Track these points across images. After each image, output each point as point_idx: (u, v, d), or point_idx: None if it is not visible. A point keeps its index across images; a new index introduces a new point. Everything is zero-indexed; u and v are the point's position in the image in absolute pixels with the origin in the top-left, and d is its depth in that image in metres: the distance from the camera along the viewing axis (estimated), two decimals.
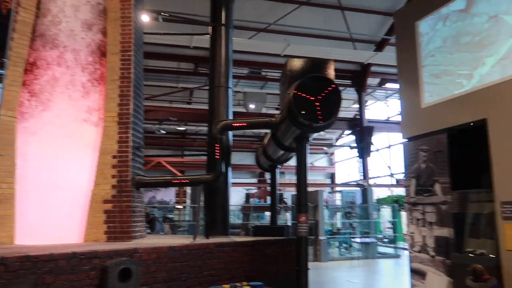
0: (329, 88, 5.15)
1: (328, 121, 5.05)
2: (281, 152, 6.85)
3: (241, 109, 18.29)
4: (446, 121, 8.14)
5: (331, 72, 5.45)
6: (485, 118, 7.29)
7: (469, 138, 8.15)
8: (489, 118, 7.23)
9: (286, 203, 17.22)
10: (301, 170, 5.47)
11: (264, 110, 18.83)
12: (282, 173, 25.96)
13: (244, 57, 15.38)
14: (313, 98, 5.00)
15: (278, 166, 8.30)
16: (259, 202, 20.04)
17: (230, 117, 7.83)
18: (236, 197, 23.00)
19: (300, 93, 5.01)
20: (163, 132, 20.45)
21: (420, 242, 8.52)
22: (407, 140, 9.35)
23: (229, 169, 7.56)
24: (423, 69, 8.90)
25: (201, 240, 6.34)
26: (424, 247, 8.42)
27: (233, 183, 21.06)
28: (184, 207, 21.24)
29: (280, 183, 22.13)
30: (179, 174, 19.97)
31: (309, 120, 4.98)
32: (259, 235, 7.32)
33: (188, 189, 21.90)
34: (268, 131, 7.23)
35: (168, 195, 24.43)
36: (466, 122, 7.80)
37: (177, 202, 23.82)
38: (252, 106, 17.47)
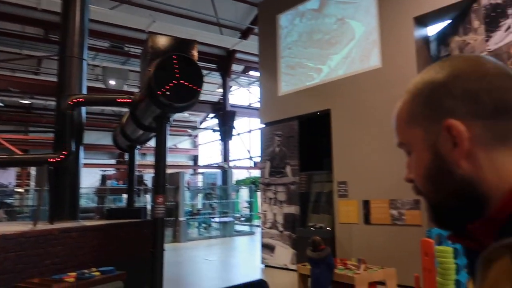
0: (191, 69, 5.11)
1: (189, 102, 5.03)
2: (141, 132, 6.59)
3: (100, 85, 16.88)
4: (298, 110, 8.97)
5: (194, 53, 5.42)
6: (329, 108, 8.29)
7: (317, 125, 9.17)
8: (332, 108, 8.24)
9: (146, 185, 16.73)
10: (160, 151, 5.35)
11: (125, 88, 17.78)
12: (143, 154, 25.04)
13: (104, 28, 14.14)
14: (175, 78, 4.91)
15: (138, 146, 7.99)
16: (118, 184, 19.03)
17: (84, 91, 7.15)
18: (91, 179, 21.31)
19: (161, 72, 4.86)
20: (1, 104, 17.61)
21: (271, 219, 9.31)
22: (264, 125, 10.03)
23: (81, 148, 6.93)
24: (282, 60, 9.59)
25: (43, 226, 5.71)
26: (275, 223, 9.23)
27: (87, 164, 19.35)
28: (27, 190, 18.79)
29: (140, 165, 21.37)
30: (20, 153, 17.52)
31: (170, 100, 4.88)
32: (114, 218, 6.96)
33: (33, 170, 19.44)
34: (127, 109, 6.86)
35: (7, 177, 21.25)
36: (314, 111, 8.76)
37: (18, 185, 20.92)
38: (112, 82, 16.31)
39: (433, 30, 7.44)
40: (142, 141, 7.45)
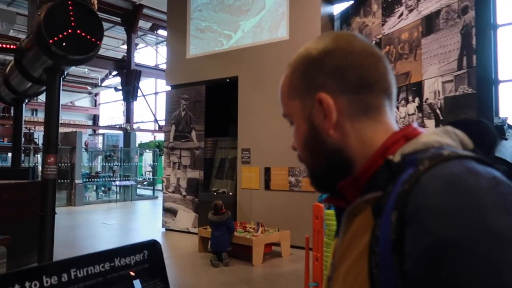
0: (90, 19, 4.63)
1: (86, 55, 4.57)
2: (29, 84, 5.87)
3: None
4: (206, 74, 8.83)
5: (94, 1, 4.92)
6: (237, 75, 8.31)
7: (224, 92, 9.15)
8: (240, 76, 8.28)
9: (37, 144, 15.21)
10: (52, 107, 4.84)
11: (13, 34, 15.63)
12: (34, 110, 22.62)
13: None
14: (70, 26, 4.40)
15: (26, 100, 7.14)
16: (2, 141, 17.02)
17: None
18: None
19: (53, 17, 4.31)
20: None
21: (175, 184, 9.22)
22: (170, 87, 9.70)
23: None
24: (191, 21, 9.24)
25: None
26: (178, 188, 9.17)
27: None
28: None
29: (30, 121, 19.31)
30: None
31: (64, 51, 4.38)
32: None
33: None
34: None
35: None
36: (223, 77, 8.70)
37: None
38: None
39: (338, 8, 7.81)
40: (30, 95, 6.68)
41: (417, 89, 4.96)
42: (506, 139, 4.83)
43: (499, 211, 0.42)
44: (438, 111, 4.64)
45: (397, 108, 5.23)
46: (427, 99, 4.79)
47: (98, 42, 4.55)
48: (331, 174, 0.65)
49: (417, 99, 4.95)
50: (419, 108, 4.85)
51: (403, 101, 5.19)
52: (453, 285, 0.40)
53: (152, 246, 1.33)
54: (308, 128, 0.67)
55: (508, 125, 4.81)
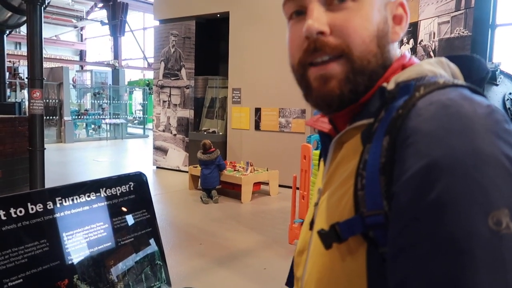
0: None
1: None
2: (8, 13, 5.58)
3: None
4: (196, 9, 8.44)
5: None
6: (228, 11, 7.97)
7: (215, 29, 8.83)
8: (231, 11, 7.94)
9: (22, 79, 14.81)
10: (34, 38, 4.65)
11: None
12: (18, 43, 21.75)
13: None
14: None
15: (7, 31, 6.83)
16: None
17: None
18: None
19: None
20: None
21: (165, 122, 9.19)
22: (159, 22, 9.30)
23: None
24: None
25: None
26: (168, 126, 9.16)
27: None
28: None
29: (14, 55, 18.63)
30: None
31: None
32: None
33: None
34: None
35: None
36: (213, 12, 8.34)
37: None
38: None
39: None
40: (11, 26, 6.37)
41: (412, 30, 4.83)
42: (497, 85, 4.83)
43: (492, 137, 0.43)
44: (431, 53, 4.57)
45: None
46: (421, 40, 4.70)
47: None
48: (371, 82, 0.57)
49: (411, 41, 4.84)
50: (413, 50, 4.76)
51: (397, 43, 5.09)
52: (439, 204, 0.41)
53: (138, 178, 1.34)
54: (383, 21, 0.57)
55: (501, 70, 4.78)
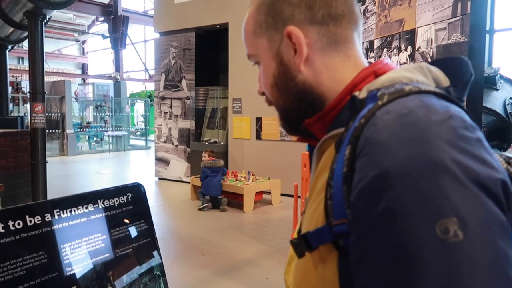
0: None
1: None
2: (10, 29, 5.65)
3: None
4: (195, 21, 8.53)
5: None
6: (228, 22, 8.04)
7: (215, 40, 8.90)
8: (230, 22, 8.02)
9: (24, 93, 14.93)
10: (35, 53, 4.70)
11: None
12: (20, 58, 21.99)
13: None
14: None
15: (9, 47, 6.91)
16: None
17: None
18: None
19: None
20: None
21: (166, 134, 9.23)
22: (159, 34, 9.40)
23: None
24: None
25: None
26: (170, 137, 9.19)
27: None
28: None
29: (17, 69, 18.82)
30: None
31: None
32: None
33: None
34: None
35: None
36: (213, 24, 8.42)
37: None
38: None
39: None
40: (13, 41, 6.44)
41: (410, 37, 4.86)
42: (497, 90, 4.82)
43: (443, 144, 0.43)
44: (429, 60, 4.59)
45: (390, 57, 5.15)
46: (419, 47, 4.72)
47: None
48: (303, 113, 0.64)
49: (409, 48, 4.87)
50: (411, 57, 4.79)
51: (395, 50, 5.11)
52: (388, 214, 0.41)
53: (136, 189, 1.35)
54: (277, 66, 0.63)
55: (501, 75, 4.77)
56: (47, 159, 5.30)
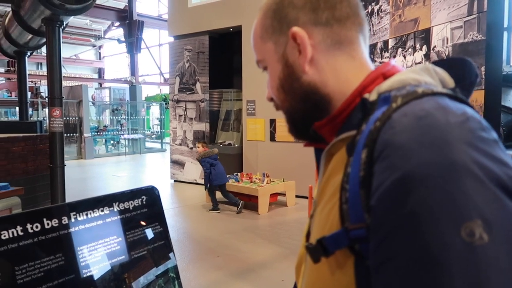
0: None
1: (84, 4, 4.44)
2: (29, 36, 5.79)
3: None
4: (209, 24, 8.59)
5: None
6: (241, 25, 8.08)
7: (228, 42, 8.94)
8: (243, 25, 8.04)
9: (43, 98, 15.26)
10: (53, 59, 4.81)
11: None
12: (39, 63, 22.48)
13: None
14: None
15: (28, 53, 7.08)
16: (9, 96, 17.09)
17: None
18: None
19: None
20: None
21: (181, 136, 9.31)
22: (173, 38, 9.49)
23: None
24: None
25: None
26: (184, 140, 9.26)
27: None
28: None
29: (36, 75, 19.25)
30: None
31: (61, 0, 4.25)
32: (5, 132, 6.34)
33: None
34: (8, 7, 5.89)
35: None
36: (226, 27, 8.47)
37: None
38: None
39: None
40: (32, 47, 6.60)
41: (425, 36, 4.79)
42: None
43: (464, 146, 0.42)
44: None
45: (404, 56, 5.09)
46: (434, 46, 4.65)
47: None
48: (309, 115, 0.64)
49: (424, 47, 4.80)
50: (427, 56, 4.72)
51: (410, 50, 5.04)
52: (412, 217, 0.41)
53: (150, 192, 1.37)
54: (283, 68, 0.64)
55: None
56: (66, 162, 5.41)
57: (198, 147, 6.56)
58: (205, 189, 6.39)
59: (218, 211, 6.30)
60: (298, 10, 0.62)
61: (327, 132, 0.63)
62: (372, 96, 0.55)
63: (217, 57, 8.81)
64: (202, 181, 8.24)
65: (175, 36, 9.28)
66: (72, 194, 6.55)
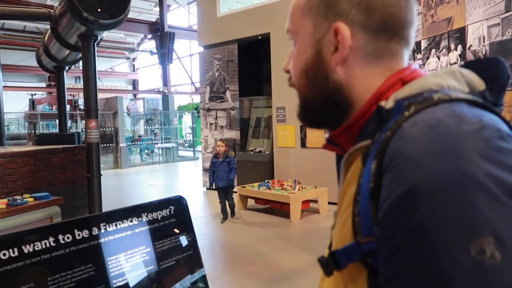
0: None
1: (116, 19, 4.60)
2: (67, 51, 6.06)
3: None
4: (237, 32, 8.68)
5: None
6: (269, 32, 8.11)
7: (257, 50, 9.00)
8: (272, 32, 8.07)
9: (81, 110, 15.89)
10: (88, 72, 5.00)
11: (49, 2, 16.00)
12: (77, 77, 23.46)
13: None
14: None
15: (66, 68, 7.41)
16: (51, 109, 17.92)
17: None
18: (19, 103, 19.80)
19: None
20: None
21: (213, 144, 9.40)
22: (203, 48, 9.66)
23: None
24: None
25: None
26: (215, 148, 9.35)
27: (11, 86, 17.86)
28: None
29: (74, 88, 20.09)
30: None
31: (95, 16, 4.43)
32: (45, 144, 6.64)
33: None
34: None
35: None
36: (254, 34, 8.53)
37: None
38: None
39: None
40: (70, 62, 6.91)
41: (459, 35, 4.62)
42: None
43: (476, 157, 0.40)
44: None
45: (438, 57, 4.92)
46: (470, 46, 4.47)
47: (127, 3, 4.54)
48: (325, 111, 0.62)
49: (459, 47, 4.62)
50: (462, 56, 4.54)
51: (444, 50, 4.87)
52: (419, 232, 0.39)
53: (178, 202, 1.38)
54: (313, 56, 0.60)
55: None
56: (102, 172, 5.58)
57: (223, 146, 6.40)
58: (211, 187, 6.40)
59: (223, 219, 6.28)
60: (352, 5, 0.57)
61: (344, 141, 0.60)
62: (388, 104, 0.52)
63: (246, 65, 8.87)
64: (234, 189, 8.28)
65: (204, 46, 9.44)
66: (109, 202, 6.75)
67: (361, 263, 0.48)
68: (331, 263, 0.51)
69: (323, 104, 0.61)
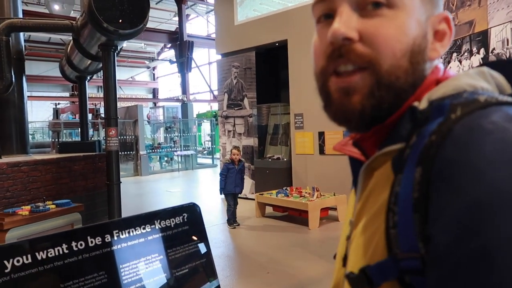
0: None
1: (135, 28, 4.69)
2: (88, 61, 6.21)
3: (41, 9, 15.48)
4: (255, 40, 8.72)
5: None
6: (286, 39, 8.11)
7: (274, 57, 9.01)
8: (289, 39, 8.07)
9: (102, 118, 16.23)
10: (109, 81, 5.10)
11: (73, 14, 16.44)
12: (99, 86, 23.99)
13: None
14: (119, 1, 4.52)
15: (88, 77, 7.58)
16: (73, 118, 18.35)
17: (20, 16, 6.48)
18: (44, 113, 20.38)
19: None
20: None
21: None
22: (221, 56, 9.74)
23: (24, 79, 6.47)
24: None
25: None
26: None
27: (37, 96, 18.34)
28: None
29: (96, 97, 20.54)
30: None
31: (114, 26, 4.53)
32: (67, 152, 6.79)
33: None
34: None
35: None
36: (272, 42, 8.55)
37: None
38: (56, 7, 14.93)
39: None
40: (91, 72, 7.07)
41: (482, 39, 4.51)
42: None
43: None
44: None
45: (460, 61, 4.81)
46: (493, 49, 4.35)
47: (146, 13, 4.62)
48: (395, 107, 0.51)
49: (482, 50, 4.51)
50: (485, 60, 4.42)
51: (466, 54, 4.75)
52: (484, 252, 0.35)
53: (191, 209, 1.37)
54: (422, 36, 0.51)
55: None
56: (123, 179, 5.66)
57: (237, 154, 6.57)
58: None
59: (233, 226, 6.36)
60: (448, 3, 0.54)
61: (370, 145, 0.55)
62: (422, 104, 0.48)
63: (264, 72, 8.89)
64: (252, 196, 8.26)
65: (222, 54, 9.52)
66: (128, 209, 6.82)
67: (397, 282, 0.43)
68: (363, 280, 0.46)
69: (401, 98, 0.51)
